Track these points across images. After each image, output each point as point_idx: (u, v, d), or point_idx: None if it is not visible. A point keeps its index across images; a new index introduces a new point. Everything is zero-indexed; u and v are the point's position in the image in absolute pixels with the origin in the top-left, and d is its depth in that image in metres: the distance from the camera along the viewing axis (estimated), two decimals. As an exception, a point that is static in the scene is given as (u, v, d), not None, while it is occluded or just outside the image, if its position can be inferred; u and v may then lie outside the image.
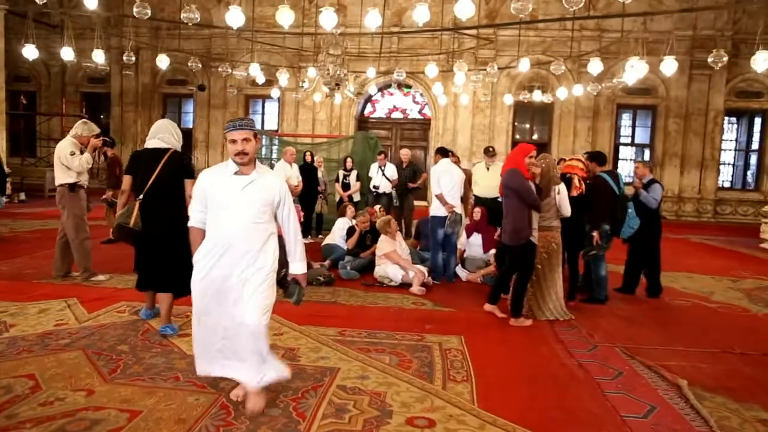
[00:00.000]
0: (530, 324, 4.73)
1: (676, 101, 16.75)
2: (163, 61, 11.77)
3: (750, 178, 17.54)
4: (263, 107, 18.63)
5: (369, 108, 18.42)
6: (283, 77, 13.26)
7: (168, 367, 3.47)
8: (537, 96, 15.45)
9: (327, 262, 6.89)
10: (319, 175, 9.32)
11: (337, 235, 7.42)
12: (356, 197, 9.48)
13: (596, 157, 5.82)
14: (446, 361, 3.72)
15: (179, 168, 4.21)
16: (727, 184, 17.41)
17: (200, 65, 12.25)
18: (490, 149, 7.72)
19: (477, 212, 7.12)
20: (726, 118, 16.93)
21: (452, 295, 5.80)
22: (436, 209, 6.34)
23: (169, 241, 4.10)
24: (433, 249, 6.44)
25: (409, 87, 17.84)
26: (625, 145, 17.61)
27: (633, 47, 14.16)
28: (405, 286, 5.98)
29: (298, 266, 3.05)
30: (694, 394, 3.30)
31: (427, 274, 6.10)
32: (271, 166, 10.45)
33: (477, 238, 7.04)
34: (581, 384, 3.49)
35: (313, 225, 9.38)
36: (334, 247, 7.22)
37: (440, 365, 3.65)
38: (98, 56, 11.09)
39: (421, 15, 7.30)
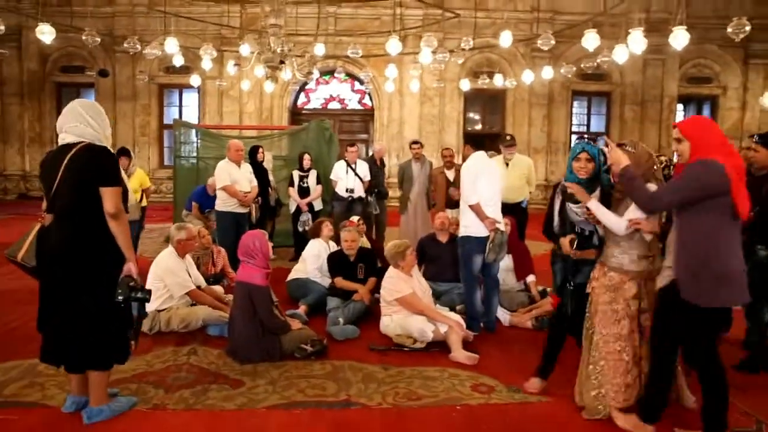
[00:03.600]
0: None
1: (631, 87, 16.22)
2: (46, 34, 8.93)
3: (701, 165, 17.19)
4: (180, 98, 16.01)
5: (303, 98, 16.21)
6: (206, 59, 10.76)
7: None
8: (498, 81, 13.88)
9: (302, 309, 4.66)
10: (271, 178, 7.01)
11: (311, 265, 5.15)
12: (317, 205, 7.27)
13: None
14: None
15: (87, 169, 2.68)
16: (681, 172, 16.96)
17: (98, 39, 9.50)
18: (508, 137, 5.81)
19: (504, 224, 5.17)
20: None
21: (513, 360, 3.78)
22: (472, 227, 4.26)
23: (74, 285, 2.68)
24: (469, 286, 4.33)
25: (349, 75, 15.80)
26: (578, 134, 16.69)
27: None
28: (435, 346, 3.93)
29: None
30: None
31: (465, 326, 4.04)
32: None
33: (507, 261, 5.11)
34: None
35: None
36: (308, 285, 4.98)
37: None
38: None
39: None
